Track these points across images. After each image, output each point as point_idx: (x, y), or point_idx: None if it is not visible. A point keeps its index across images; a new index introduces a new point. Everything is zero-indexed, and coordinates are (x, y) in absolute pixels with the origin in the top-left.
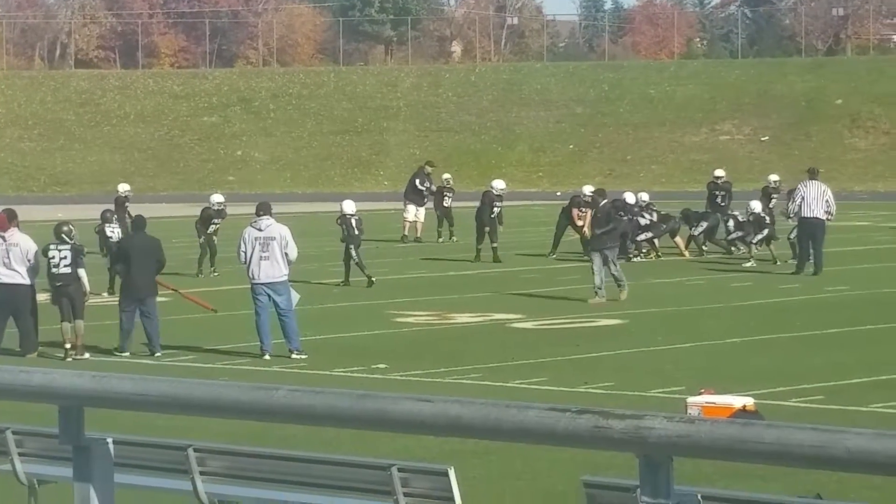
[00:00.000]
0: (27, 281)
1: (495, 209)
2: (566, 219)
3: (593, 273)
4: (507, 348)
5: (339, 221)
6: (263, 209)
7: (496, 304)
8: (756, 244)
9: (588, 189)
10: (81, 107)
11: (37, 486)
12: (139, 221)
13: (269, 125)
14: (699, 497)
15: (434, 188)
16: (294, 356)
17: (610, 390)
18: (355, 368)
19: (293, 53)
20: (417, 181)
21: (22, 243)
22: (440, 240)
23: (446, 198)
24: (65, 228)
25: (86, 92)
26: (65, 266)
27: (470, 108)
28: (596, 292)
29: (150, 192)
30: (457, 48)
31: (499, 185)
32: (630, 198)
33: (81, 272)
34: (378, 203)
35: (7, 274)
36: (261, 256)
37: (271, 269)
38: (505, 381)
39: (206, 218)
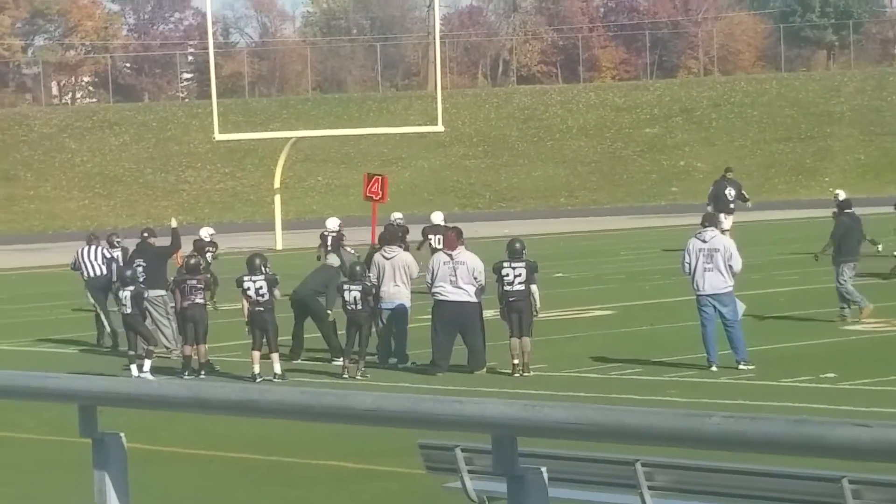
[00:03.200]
0: (474, 299)
1: None
2: None
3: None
4: None
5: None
6: (708, 220)
7: None
8: None
9: None
10: (524, 122)
11: (487, 502)
12: None
13: (712, 135)
14: None
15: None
16: (741, 367)
17: None
18: (803, 378)
19: (734, 61)
20: (727, 191)
21: (468, 262)
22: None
23: None
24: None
25: (528, 107)
26: (519, 283)
27: None
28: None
29: (593, 205)
30: None
31: None
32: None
33: (534, 288)
34: (823, 210)
35: (454, 292)
36: (705, 268)
37: (716, 280)
38: None
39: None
